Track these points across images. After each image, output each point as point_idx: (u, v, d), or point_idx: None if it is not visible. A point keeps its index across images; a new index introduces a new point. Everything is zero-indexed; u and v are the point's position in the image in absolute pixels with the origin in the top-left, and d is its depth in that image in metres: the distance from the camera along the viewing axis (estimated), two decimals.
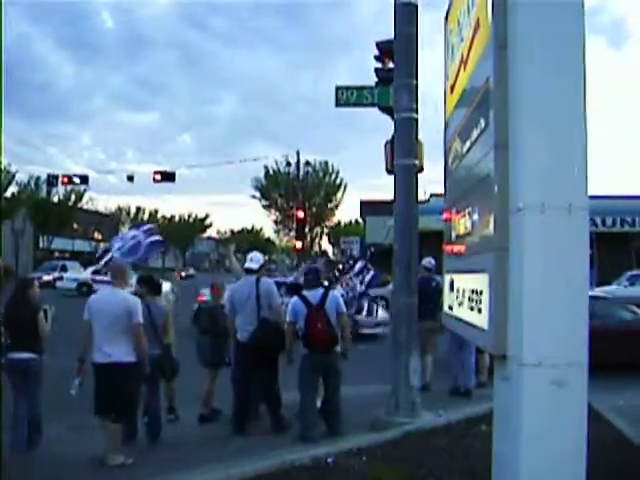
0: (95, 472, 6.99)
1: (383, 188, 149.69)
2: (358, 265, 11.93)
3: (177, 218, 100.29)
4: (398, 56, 9.04)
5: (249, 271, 8.86)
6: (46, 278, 39.96)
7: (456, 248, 4.92)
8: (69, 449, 7.84)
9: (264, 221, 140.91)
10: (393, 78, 9.25)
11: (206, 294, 10.08)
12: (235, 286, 8.88)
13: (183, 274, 79.53)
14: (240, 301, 8.65)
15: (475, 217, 4.16)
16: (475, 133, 4.20)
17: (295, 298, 8.38)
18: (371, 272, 11.79)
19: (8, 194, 57.80)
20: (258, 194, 68.51)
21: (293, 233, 56.63)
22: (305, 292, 8.35)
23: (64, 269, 44.96)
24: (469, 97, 4.52)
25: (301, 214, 41.17)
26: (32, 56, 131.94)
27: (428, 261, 11.40)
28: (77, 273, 43.39)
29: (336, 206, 71.01)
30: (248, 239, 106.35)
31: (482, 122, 3.99)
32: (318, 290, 8.33)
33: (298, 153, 53.00)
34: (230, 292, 8.91)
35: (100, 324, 7.20)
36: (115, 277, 7.57)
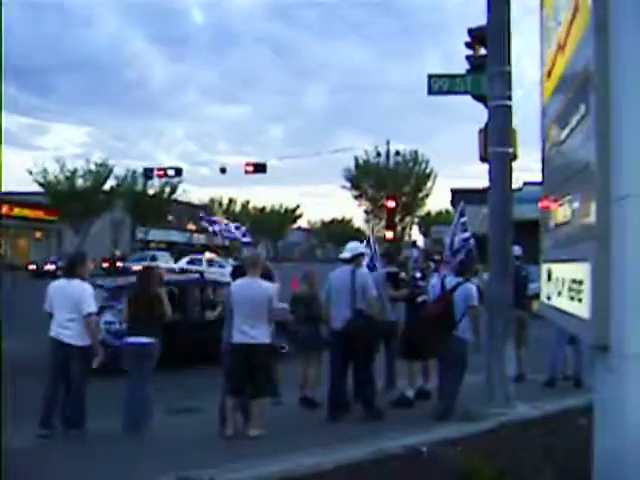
0: (196, 452, 7.22)
1: (474, 176, 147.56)
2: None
3: (268, 209, 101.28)
4: (491, 43, 8.93)
5: (343, 261, 8.93)
6: (136, 268, 41.20)
7: (554, 237, 4.83)
8: (171, 430, 8.19)
9: (354, 211, 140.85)
10: (485, 65, 9.14)
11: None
12: (332, 275, 8.97)
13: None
14: (335, 290, 8.74)
15: (575, 205, 4.07)
16: (574, 119, 4.11)
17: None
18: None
19: (107, 187, 59.76)
20: (348, 184, 68.63)
21: (383, 223, 56.51)
22: (448, 278, 8.93)
23: (154, 259, 46.03)
24: (567, 83, 4.43)
25: (392, 204, 41.07)
26: (126, 54, 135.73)
27: (515, 249, 11.05)
28: (166, 263, 44.51)
29: (426, 195, 70.35)
30: (338, 229, 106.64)
31: (582, 108, 3.90)
32: (457, 279, 8.80)
33: (388, 143, 52.91)
34: (327, 281, 9.02)
35: (242, 309, 7.85)
36: (251, 267, 8.17)
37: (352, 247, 9.09)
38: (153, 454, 7.24)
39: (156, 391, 8.49)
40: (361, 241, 10.85)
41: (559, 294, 4.54)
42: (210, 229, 14.68)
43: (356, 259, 8.98)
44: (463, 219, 11.28)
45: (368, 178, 66.21)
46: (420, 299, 9.70)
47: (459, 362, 8.56)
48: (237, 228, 14.63)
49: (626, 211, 3.31)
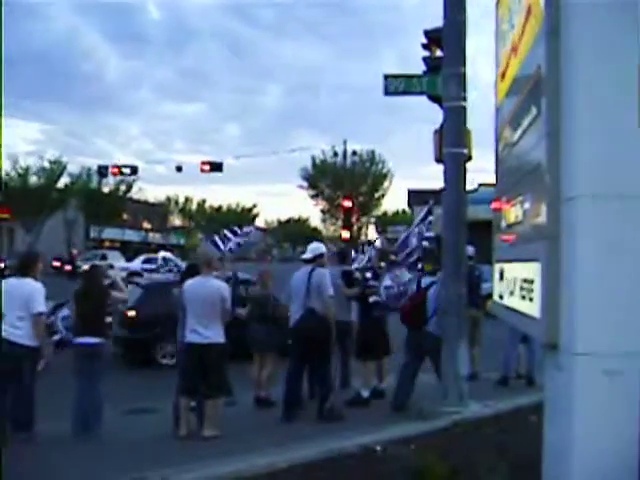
0: (151, 454, 7.14)
1: (430, 177, 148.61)
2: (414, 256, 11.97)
3: (225, 208, 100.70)
4: (447, 44, 8.98)
5: (305, 261, 9.08)
6: (85, 267, 40.34)
7: (507, 237, 4.88)
8: (125, 432, 8.07)
9: (311, 211, 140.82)
10: (441, 66, 9.20)
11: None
12: (294, 275, 9.05)
13: None
14: (295, 289, 8.84)
15: (526, 206, 4.12)
16: (526, 121, 4.16)
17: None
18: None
19: (60, 185, 58.88)
20: (305, 184, 68.71)
21: (340, 223, 56.70)
22: (423, 278, 9.50)
23: (104, 258, 45.31)
24: (520, 84, 4.48)
25: (348, 203, 41.15)
26: (81, 48, 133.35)
27: (468, 249, 11.18)
28: (117, 262, 43.93)
29: (383, 195, 70.82)
30: (295, 229, 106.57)
31: (534, 110, 3.95)
32: (432, 278, 9.33)
33: (345, 143, 53.04)
34: (291, 280, 9.12)
35: (194, 308, 7.75)
36: (205, 266, 8.10)
37: (313, 247, 9.22)
38: (105, 456, 7.15)
39: (110, 391, 8.40)
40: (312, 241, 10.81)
41: (511, 293, 4.59)
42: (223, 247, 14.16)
43: (318, 259, 9.03)
44: (430, 217, 11.47)
45: (325, 178, 66.40)
46: (372, 299, 9.79)
47: (434, 355, 8.97)
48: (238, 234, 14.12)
49: (575, 211, 3.36)
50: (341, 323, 9.47)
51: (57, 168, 58.07)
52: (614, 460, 3.35)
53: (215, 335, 7.74)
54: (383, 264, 10.90)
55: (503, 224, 5.01)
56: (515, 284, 4.42)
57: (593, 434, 3.33)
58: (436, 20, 9.27)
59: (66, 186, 59.59)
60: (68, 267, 44.68)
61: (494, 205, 5.39)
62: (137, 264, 42.69)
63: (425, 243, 10.74)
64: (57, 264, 47.61)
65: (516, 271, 4.43)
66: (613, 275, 3.32)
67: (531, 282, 3.90)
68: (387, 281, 10.20)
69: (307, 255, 9.13)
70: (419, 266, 11.61)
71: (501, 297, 5.04)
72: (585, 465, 3.36)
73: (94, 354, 8.06)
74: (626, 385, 3.33)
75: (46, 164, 57.24)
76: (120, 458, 7.04)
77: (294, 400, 8.69)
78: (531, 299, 3.91)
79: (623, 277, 3.33)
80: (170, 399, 8.21)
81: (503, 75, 5.26)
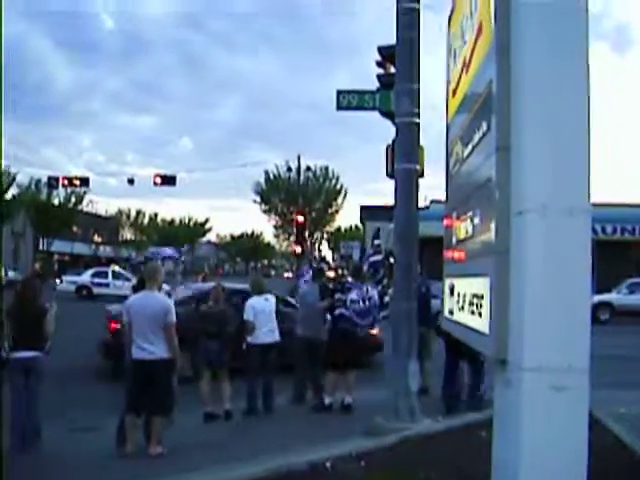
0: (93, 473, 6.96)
1: (384, 193, 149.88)
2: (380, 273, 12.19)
3: (177, 222, 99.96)
4: (400, 61, 9.03)
5: None
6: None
7: (457, 253, 4.89)
8: (68, 450, 7.84)
9: (264, 226, 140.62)
10: (394, 83, 9.25)
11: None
12: None
13: None
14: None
15: (476, 221, 4.13)
16: (477, 137, 4.18)
17: None
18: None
19: (8, 196, 57.66)
20: (258, 199, 68.57)
21: (293, 238, 56.65)
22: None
23: None
24: (471, 101, 4.50)
25: (301, 219, 41.13)
26: (30, 56, 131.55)
27: None
28: None
29: (336, 211, 71.04)
30: (248, 244, 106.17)
31: (484, 126, 3.97)
32: None
33: (299, 158, 53.08)
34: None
35: (139, 324, 7.59)
36: (149, 279, 7.92)
37: None
38: (44, 477, 6.92)
39: (53, 408, 8.18)
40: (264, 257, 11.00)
41: (461, 309, 4.59)
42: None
43: None
44: (377, 241, 11.72)
45: (278, 193, 66.38)
46: (336, 312, 9.95)
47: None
48: None
49: (524, 226, 3.37)
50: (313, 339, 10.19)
51: (5, 179, 56.87)
52: (562, 475, 3.35)
53: (161, 350, 7.58)
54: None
55: (454, 240, 5.02)
56: (465, 299, 4.42)
57: (541, 450, 3.33)
58: (392, 38, 9.32)
59: (14, 197, 58.40)
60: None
61: (445, 221, 5.41)
62: (86, 277, 41.90)
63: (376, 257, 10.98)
64: None
65: (466, 286, 4.44)
66: (561, 290, 3.33)
67: (480, 297, 3.90)
68: (353, 295, 10.19)
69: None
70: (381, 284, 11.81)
71: (451, 312, 5.04)
72: None
73: (31, 369, 7.79)
74: (574, 400, 3.34)
75: None
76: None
77: (457, 392, 9.51)
78: (480, 314, 3.91)
79: (570, 292, 3.34)
80: (111, 415, 8.03)
81: (454, 92, 5.30)
